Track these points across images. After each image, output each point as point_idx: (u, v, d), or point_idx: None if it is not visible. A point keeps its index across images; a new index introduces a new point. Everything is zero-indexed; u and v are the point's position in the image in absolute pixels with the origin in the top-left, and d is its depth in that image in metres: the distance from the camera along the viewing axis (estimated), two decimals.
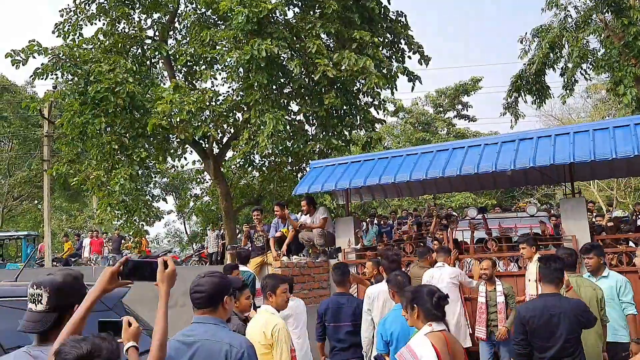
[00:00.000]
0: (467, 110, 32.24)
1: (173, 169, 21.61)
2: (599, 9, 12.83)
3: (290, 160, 13.06)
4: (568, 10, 14.22)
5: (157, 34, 13.21)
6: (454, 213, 16.80)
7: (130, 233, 12.91)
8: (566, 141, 7.39)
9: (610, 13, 12.73)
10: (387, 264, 5.52)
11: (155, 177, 18.50)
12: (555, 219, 10.30)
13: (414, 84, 12.84)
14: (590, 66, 14.06)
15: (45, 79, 11.83)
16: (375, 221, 13.57)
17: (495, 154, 7.68)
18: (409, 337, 3.93)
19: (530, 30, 15.17)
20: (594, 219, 11.34)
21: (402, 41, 13.20)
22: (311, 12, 12.45)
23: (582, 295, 4.90)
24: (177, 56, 12.46)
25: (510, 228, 9.24)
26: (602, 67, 12.98)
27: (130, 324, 2.49)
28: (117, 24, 12.92)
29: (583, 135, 7.39)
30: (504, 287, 6.18)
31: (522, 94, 15.28)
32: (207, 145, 13.45)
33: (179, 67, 12.88)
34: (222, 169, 13.85)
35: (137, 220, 12.18)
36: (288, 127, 11.60)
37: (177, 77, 13.01)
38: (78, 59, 11.54)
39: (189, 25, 13.31)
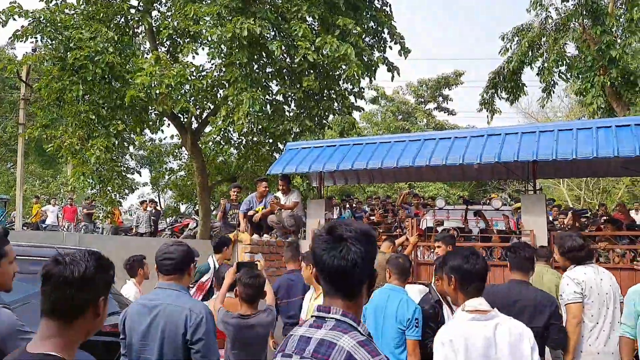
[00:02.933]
0: (447, 103, 32.60)
1: (150, 142, 21.53)
2: (578, 14, 13.15)
3: (267, 140, 13.19)
4: (549, 12, 14.54)
5: (141, 3, 13.09)
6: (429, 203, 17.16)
7: (103, 203, 12.92)
8: (532, 139, 7.69)
9: (588, 19, 13.07)
10: None
11: (130, 147, 18.40)
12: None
13: (392, 75, 13.02)
14: (567, 69, 14.44)
15: (24, 42, 11.69)
16: (348, 205, 13.83)
17: (464, 148, 7.95)
18: (380, 315, 4.14)
19: (511, 29, 15.47)
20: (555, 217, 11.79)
21: (385, 31, 13.35)
22: None
23: (545, 281, 5.19)
24: (161, 28, 12.40)
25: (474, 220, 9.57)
26: (574, 73, 13.36)
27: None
28: None
29: (548, 135, 7.70)
30: None
31: (498, 91, 15.63)
32: (185, 120, 13.48)
33: (162, 39, 12.81)
34: (199, 145, 13.91)
35: (110, 191, 12.20)
36: (268, 106, 11.71)
37: (160, 50, 12.95)
38: (59, 24, 11.40)
39: None
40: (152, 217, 16.70)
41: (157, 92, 10.71)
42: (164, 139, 16.95)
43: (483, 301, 2.75)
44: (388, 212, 10.38)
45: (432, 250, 7.79)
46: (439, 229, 9.14)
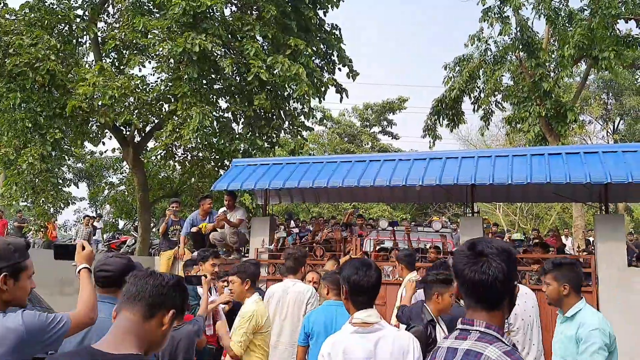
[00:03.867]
0: (391, 127, 33.45)
1: (90, 155, 20.81)
2: (514, 47, 13.93)
3: (213, 157, 13.07)
4: (488, 44, 15.32)
5: (87, 13, 12.78)
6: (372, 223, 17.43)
7: (36, 215, 12.33)
8: (470, 164, 8.02)
9: (524, 52, 13.87)
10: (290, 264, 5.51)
11: (68, 159, 17.72)
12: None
13: (341, 96, 13.29)
14: (502, 99, 15.23)
15: None
16: (293, 224, 13.83)
17: (407, 170, 8.17)
18: (331, 330, 4.03)
19: (453, 59, 16.18)
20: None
21: (335, 53, 13.64)
22: (249, 13, 12.59)
23: None
24: (106, 39, 12.14)
25: (414, 240, 9.78)
26: (512, 101, 14.11)
27: (83, 248, 2.88)
28: None
29: (485, 160, 8.05)
30: None
31: (440, 118, 16.25)
32: (128, 133, 13.16)
33: (107, 50, 12.53)
34: (141, 159, 13.58)
35: (44, 202, 11.68)
36: (215, 123, 11.62)
37: (104, 61, 12.65)
38: None
39: (122, 8, 13.01)
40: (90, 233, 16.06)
41: (100, 103, 10.44)
42: (105, 152, 16.36)
43: (373, 312, 2.70)
44: (334, 232, 10.45)
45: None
46: (377, 247, 9.31)
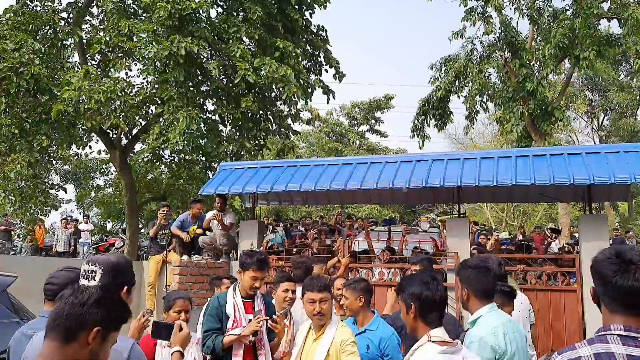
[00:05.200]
0: (379, 126, 33.55)
1: (76, 157, 20.67)
2: (499, 46, 14.07)
3: (201, 159, 13.05)
4: (474, 44, 15.45)
5: (71, 16, 12.68)
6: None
7: (24, 221, 12.25)
8: (456, 166, 8.11)
9: (508, 52, 14.01)
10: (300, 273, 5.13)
11: (56, 163, 17.59)
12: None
13: (328, 97, 13.32)
14: (488, 98, 15.37)
15: None
16: (281, 225, 13.86)
17: (394, 172, 8.24)
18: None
19: (439, 59, 16.29)
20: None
21: (321, 54, 13.67)
22: (235, 14, 12.57)
23: None
24: (92, 43, 12.06)
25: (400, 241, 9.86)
26: (497, 102, 14.25)
27: (181, 329, 2.82)
28: (29, 2, 12.27)
29: (471, 162, 8.15)
30: None
31: (427, 118, 16.35)
32: (114, 136, 13.10)
33: (92, 53, 12.44)
34: (128, 162, 13.53)
35: (33, 208, 11.60)
36: (202, 125, 11.61)
37: (89, 64, 12.56)
38: None
39: (107, 11, 12.91)
40: (74, 237, 15.98)
41: (86, 107, 10.37)
42: (91, 153, 16.28)
43: (444, 331, 2.55)
44: (322, 234, 10.50)
45: (359, 271, 7.99)
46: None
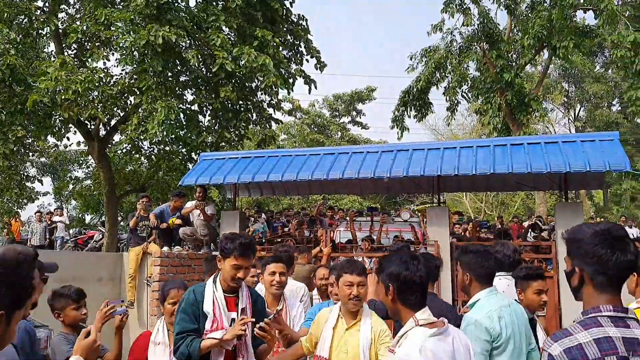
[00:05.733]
0: (360, 118, 33.63)
1: (54, 149, 20.32)
2: (477, 37, 14.19)
3: (181, 150, 12.95)
4: (454, 35, 15.55)
5: (47, 5, 12.41)
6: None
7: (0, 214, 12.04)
8: (437, 155, 8.19)
9: (486, 43, 14.15)
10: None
11: (32, 155, 17.28)
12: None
13: (310, 87, 13.30)
14: (468, 90, 15.52)
15: None
16: (264, 216, 13.84)
17: (375, 162, 8.29)
18: None
19: (419, 50, 16.37)
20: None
21: (302, 44, 13.61)
22: (214, 4, 12.44)
23: None
24: (68, 32, 11.83)
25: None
26: (475, 93, 14.40)
27: (88, 335, 2.37)
28: None
29: (451, 152, 8.24)
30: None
31: (408, 109, 16.45)
32: (93, 127, 12.91)
33: (69, 43, 12.21)
34: (107, 153, 13.35)
35: (8, 200, 11.40)
36: (181, 116, 11.51)
37: (66, 53, 12.33)
38: None
39: (83, 0, 12.69)
40: (49, 229, 15.70)
41: (63, 97, 10.20)
42: (70, 145, 16.02)
43: (429, 312, 2.39)
44: (303, 224, 10.52)
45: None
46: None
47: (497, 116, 13.69)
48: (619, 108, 29.23)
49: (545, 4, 13.84)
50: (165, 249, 8.40)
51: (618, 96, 27.86)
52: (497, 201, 29.30)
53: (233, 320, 3.21)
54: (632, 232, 14.43)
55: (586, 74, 28.58)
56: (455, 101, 15.83)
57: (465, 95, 16.04)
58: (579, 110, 32.45)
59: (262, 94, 13.16)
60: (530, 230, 12.19)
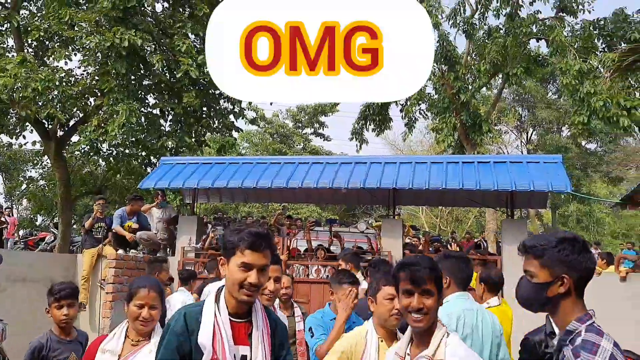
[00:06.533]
0: (323, 130, 33.95)
1: (7, 147, 19.73)
2: (436, 59, 14.75)
3: (140, 153, 12.86)
4: None
5: (9, 1, 12.19)
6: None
7: None
8: (393, 169, 8.52)
9: (445, 65, 14.73)
10: None
11: None
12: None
13: None
14: (426, 109, 16.05)
15: None
16: (220, 224, 13.84)
17: (334, 173, 8.55)
18: None
19: None
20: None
21: None
22: (181, 10, 12.51)
23: None
24: (29, 29, 11.65)
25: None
26: (433, 111, 14.93)
27: None
28: None
29: (406, 166, 8.59)
30: (302, 311, 4.33)
31: (367, 123, 16.87)
32: (50, 127, 12.68)
33: (29, 40, 12.01)
34: (64, 154, 13.12)
35: None
36: (143, 119, 11.47)
37: (27, 51, 12.13)
38: None
39: None
40: None
41: (21, 95, 10.04)
42: (25, 144, 15.63)
43: None
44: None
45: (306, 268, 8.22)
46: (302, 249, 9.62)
47: (452, 135, 14.24)
48: (569, 134, 30.58)
49: (500, 32, 14.53)
50: (121, 251, 8.37)
51: (568, 122, 29.16)
52: (451, 217, 30.10)
53: (243, 358, 2.16)
54: None
55: (539, 100, 29.83)
56: (413, 118, 16.33)
57: (422, 113, 16.58)
58: (531, 134, 33.75)
59: (224, 101, 13.25)
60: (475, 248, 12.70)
